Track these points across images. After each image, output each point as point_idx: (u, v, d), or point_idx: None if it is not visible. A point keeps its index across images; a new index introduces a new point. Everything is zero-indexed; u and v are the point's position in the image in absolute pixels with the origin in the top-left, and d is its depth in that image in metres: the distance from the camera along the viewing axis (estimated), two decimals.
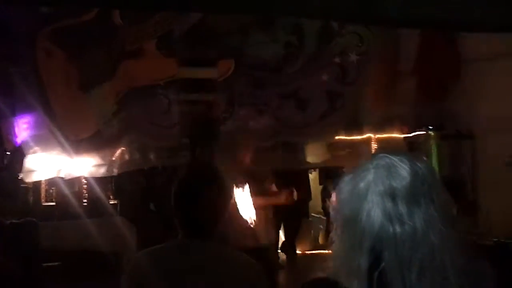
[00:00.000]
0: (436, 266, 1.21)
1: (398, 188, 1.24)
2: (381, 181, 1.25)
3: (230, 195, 2.28)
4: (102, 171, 5.28)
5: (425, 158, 1.35)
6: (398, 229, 1.22)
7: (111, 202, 8.89)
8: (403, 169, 1.26)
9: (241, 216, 4.95)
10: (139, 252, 2.34)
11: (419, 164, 1.28)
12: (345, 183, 1.31)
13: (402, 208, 1.23)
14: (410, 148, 6.87)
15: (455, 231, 1.26)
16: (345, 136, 6.07)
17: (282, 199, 5.02)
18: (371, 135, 6.50)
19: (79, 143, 5.24)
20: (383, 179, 1.26)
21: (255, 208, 5.04)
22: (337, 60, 5.61)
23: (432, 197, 1.25)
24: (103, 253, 7.41)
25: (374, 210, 1.24)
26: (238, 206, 4.79)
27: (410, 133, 6.83)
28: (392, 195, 1.24)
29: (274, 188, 5.25)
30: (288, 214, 7.79)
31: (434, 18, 2.98)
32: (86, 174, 5.54)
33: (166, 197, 2.34)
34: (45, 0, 3.37)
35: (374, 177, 1.27)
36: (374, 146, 6.54)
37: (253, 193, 4.93)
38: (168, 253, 2.17)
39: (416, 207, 1.23)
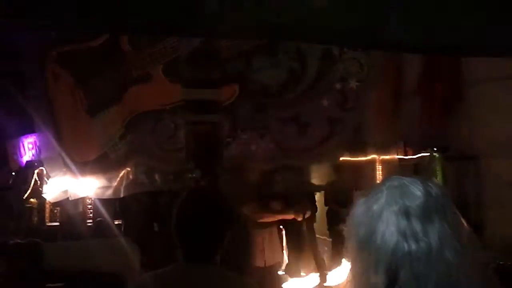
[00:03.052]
0: (452, 283, 1.22)
1: (412, 207, 1.27)
2: (395, 201, 1.28)
3: (232, 218, 2.28)
4: (108, 193, 5.36)
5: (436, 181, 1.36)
6: (413, 246, 1.24)
7: (115, 223, 8.92)
8: (416, 189, 1.29)
9: (246, 238, 4.98)
10: (139, 276, 2.36)
11: (431, 185, 1.32)
12: (359, 206, 1.35)
13: (417, 226, 1.25)
14: (415, 170, 6.88)
15: (470, 248, 1.28)
16: (350, 157, 6.10)
17: (289, 214, 5.06)
18: (376, 156, 6.52)
19: (85, 165, 5.31)
20: (396, 198, 1.29)
21: (260, 228, 5.06)
22: (337, 86, 5.69)
23: (446, 216, 1.27)
24: (107, 274, 7.41)
25: (389, 229, 1.26)
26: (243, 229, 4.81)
27: (414, 155, 6.83)
28: (406, 213, 1.26)
29: (277, 207, 5.27)
30: (293, 235, 7.80)
31: (438, 43, 3.01)
32: (91, 196, 5.60)
33: (171, 218, 2.36)
34: (50, 27, 3.42)
35: (388, 197, 1.30)
36: (379, 167, 6.56)
37: (258, 212, 4.97)
38: (169, 277, 2.20)
39: (430, 225, 1.25)
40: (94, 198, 6.15)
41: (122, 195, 5.53)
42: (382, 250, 1.25)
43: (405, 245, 1.24)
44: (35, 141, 8.51)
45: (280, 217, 5.22)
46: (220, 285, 2.19)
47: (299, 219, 5.15)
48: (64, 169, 5.39)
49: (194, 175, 5.28)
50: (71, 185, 5.45)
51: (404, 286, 1.23)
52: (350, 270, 1.34)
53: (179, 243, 2.24)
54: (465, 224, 1.33)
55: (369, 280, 1.27)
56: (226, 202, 2.32)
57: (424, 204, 1.27)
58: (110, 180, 5.41)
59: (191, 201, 2.33)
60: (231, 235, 2.28)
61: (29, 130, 8.15)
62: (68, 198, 5.58)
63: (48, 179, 5.82)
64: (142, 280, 2.29)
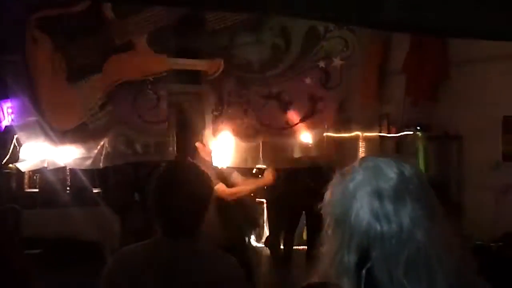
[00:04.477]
0: (422, 262, 1.26)
1: (384, 188, 1.31)
2: (369, 182, 1.32)
3: (210, 193, 2.27)
4: (87, 163, 5.31)
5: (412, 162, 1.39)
6: (384, 227, 1.28)
7: (95, 191, 8.87)
8: (389, 170, 1.33)
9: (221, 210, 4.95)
10: (119, 250, 2.35)
11: (406, 166, 1.35)
12: (336, 184, 1.39)
13: (389, 207, 1.29)
14: (398, 148, 6.91)
15: (443, 229, 1.31)
16: (333, 133, 6.11)
17: (267, 179, 5.07)
18: (359, 133, 6.52)
19: (65, 133, 5.24)
20: (370, 180, 1.33)
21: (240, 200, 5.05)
22: (321, 64, 5.70)
23: (418, 197, 1.31)
24: (85, 241, 7.40)
25: (362, 209, 1.30)
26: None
27: (397, 133, 6.85)
28: (379, 194, 1.30)
29: (237, 179, 5.20)
30: (272, 209, 7.85)
31: (430, 23, 3.00)
32: (70, 165, 5.54)
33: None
34: None
35: (362, 178, 1.34)
36: (361, 144, 6.56)
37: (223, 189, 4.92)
38: (150, 251, 2.20)
39: (402, 206, 1.29)
40: (73, 168, 6.09)
41: (101, 166, 5.47)
42: (355, 229, 1.30)
43: (377, 226, 1.28)
44: (14, 105, 8.37)
45: (250, 189, 5.19)
46: (197, 259, 2.20)
47: (271, 180, 5.13)
48: (42, 137, 5.31)
49: (174, 149, 5.25)
50: (49, 154, 5.37)
51: (375, 265, 1.27)
52: (324, 247, 1.38)
53: (158, 218, 2.23)
54: (439, 204, 1.36)
55: (342, 259, 1.31)
56: (205, 176, 2.31)
57: (396, 185, 1.31)
58: (89, 150, 5.38)
59: (170, 175, 2.32)
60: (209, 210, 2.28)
61: (8, 94, 8.00)
62: (44, 167, 5.51)
63: (22, 146, 5.73)
64: (123, 253, 2.29)
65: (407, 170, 1.34)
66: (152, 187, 2.28)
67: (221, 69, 5.52)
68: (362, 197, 1.31)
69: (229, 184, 5.05)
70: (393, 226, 1.27)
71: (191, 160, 3.92)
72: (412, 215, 1.28)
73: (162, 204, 2.25)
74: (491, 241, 5.76)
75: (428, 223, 1.29)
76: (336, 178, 1.40)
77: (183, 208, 2.21)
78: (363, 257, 1.29)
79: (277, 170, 5.37)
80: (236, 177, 5.07)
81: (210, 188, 2.35)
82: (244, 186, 5.12)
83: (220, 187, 4.77)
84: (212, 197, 2.33)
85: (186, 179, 2.27)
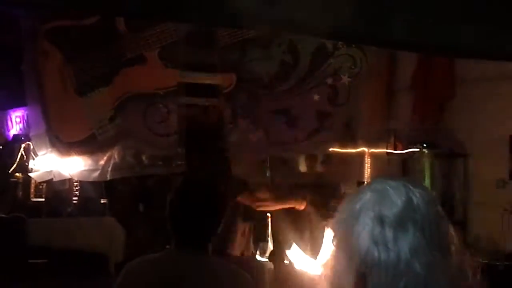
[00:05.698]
0: None
1: (387, 215, 1.27)
2: (373, 206, 1.29)
3: (225, 208, 2.31)
4: (94, 175, 5.34)
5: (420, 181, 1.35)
6: (382, 254, 1.25)
7: (102, 201, 8.88)
8: (397, 196, 1.29)
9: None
10: (132, 261, 2.38)
11: (416, 192, 1.30)
12: (345, 202, 1.37)
13: (389, 235, 1.26)
14: (404, 165, 6.90)
15: (449, 261, 1.26)
16: (339, 149, 6.12)
17: (299, 204, 5.09)
18: (365, 149, 6.52)
19: (72, 145, 5.24)
20: (375, 204, 1.30)
21: (247, 218, 5.05)
22: (329, 81, 5.72)
23: (423, 226, 1.26)
24: (90, 252, 7.38)
25: (363, 233, 1.28)
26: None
27: (403, 150, 6.84)
28: (381, 220, 1.27)
29: (264, 195, 5.23)
30: (277, 223, 7.82)
31: (440, 43, 3.01)
32: (76, 177, 5.55)
33: (156, 199, 2.36)
34: (42, 4, 3.35)
35: (368, 200, 1.31)
36: (367, 160, 6.55)
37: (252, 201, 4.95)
38: (161, 264, 2.25)
39: (403, 235, 1.25)
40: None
41: (108, 178, 5.47)
42: (355, 252, 1.28)
43: (375, 253, 1.25)
44: (22, 115, 8.42)
45: (279, 206, 5.22)
46: (210, 273, 2.22)
47: (302, 207, 5.16)
48: (50, 148, 5.31)
49: (184, 162, 5.25)
50: (56, 165, 5.37)
51: None
52: (328, 265, 1.37)
53: (172, 230, 2.26)
54: (450, 234, 1.31)
55: (341, 280, 1.29)
56: (220, 191, 2.35)
57: (400, 213, 1.27)
58: (96, 162, 5.37)
59: (187, 188, 2.36)
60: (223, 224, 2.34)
61: (17, 103, 8.05)
62: (51, 179, 5.51)
63: (35, 157, 5.74)
64: (136, 264, 2.32)
65: (417, 197, 1.29)
66: (169, 200, 2.33)
67: (234, 83, 5.54)
68: (364, 221, 1.28)
69: (255, 197, 5.10)
70: (391, 255, 1.23)
71: (207, 174, 3.96)
72: (413, 245, 1.24)
73: (176, 216, 2.30)
74: (496, 260, 5.75)
75: (431, 254, 1.24)
76: (348, 196, 1.39)
77: (197, 221, 2.26)
78: (361, 282, 1.26)
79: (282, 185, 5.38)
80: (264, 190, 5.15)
81: (225, 203, 2.39)
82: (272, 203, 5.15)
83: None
84: (226, 211, 2.37)
85: (201, 193, 2.30)
